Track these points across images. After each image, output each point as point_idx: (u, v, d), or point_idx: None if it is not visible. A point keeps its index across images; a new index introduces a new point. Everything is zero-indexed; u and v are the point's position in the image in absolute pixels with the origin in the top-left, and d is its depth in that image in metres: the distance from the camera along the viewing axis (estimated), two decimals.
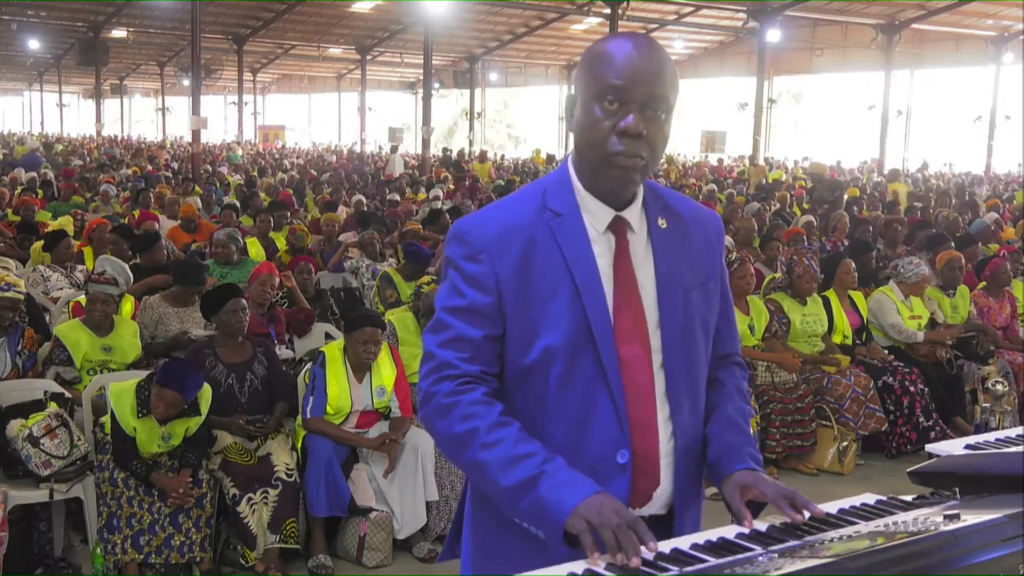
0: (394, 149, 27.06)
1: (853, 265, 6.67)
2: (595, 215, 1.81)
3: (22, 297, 4.93)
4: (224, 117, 50.09)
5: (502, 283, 1.78)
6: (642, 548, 1.52)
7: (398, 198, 13.78)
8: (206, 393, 4.39)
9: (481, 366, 1.79)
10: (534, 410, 1.80)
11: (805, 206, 13.66)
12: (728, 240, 8.04)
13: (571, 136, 1.85)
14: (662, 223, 1.85)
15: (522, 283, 1.78)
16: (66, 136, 41.22)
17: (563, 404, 1.79)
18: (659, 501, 1.83)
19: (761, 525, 1.67)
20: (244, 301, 4.93)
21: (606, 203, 1.81)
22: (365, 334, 4.68)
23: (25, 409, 4.38)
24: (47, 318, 5.97)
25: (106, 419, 4.36)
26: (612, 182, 1.78)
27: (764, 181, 20.53)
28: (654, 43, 1.77)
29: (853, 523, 1.65)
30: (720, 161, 31.46)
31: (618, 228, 1.82)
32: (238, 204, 11.43)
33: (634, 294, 1.80)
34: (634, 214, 1.83)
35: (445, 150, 28.76)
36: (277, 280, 5.97)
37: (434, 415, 1.79)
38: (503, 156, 34.97)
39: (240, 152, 28.99)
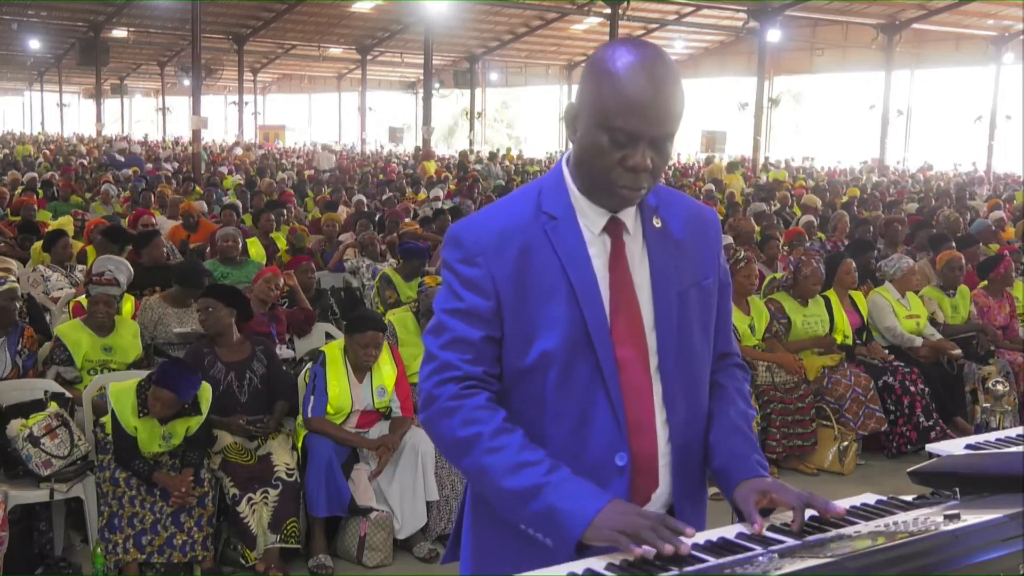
0: (324, 147, 26.95)
1: (854, 265, 6.66)
2: (590, 217, 1.80)
3: (17, 285, 4.93)
4: (224, 117, 50.09)
5: (499, 286, 1.77)
6: (683, 538, 1.54)
7: (398, 197, 13.80)
8: (206, 393, 4.39)
9: (483, 367, 1.78)
10: (533, 411, 1.80)
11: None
12: (728, 239, 8.02)
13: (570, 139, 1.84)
14: (657, 223, 1.84)
15: (519, 286, 1.77)
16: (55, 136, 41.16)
17: (562, 406, 1.78)
18: (658, 502, 1.83)
19: None
20: (220, 304, 4.81)
21: (601, 206, 1.80)
22: (366, 337, 4.67)
23: (25, 409, 4.38)
24: (47, 318, 5.97)
25: (106, 419, 4.37)
26: (611, 203, 1.78)
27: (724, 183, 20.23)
28: (667, 69, 1.68)
29: (853, 523, 1.64)
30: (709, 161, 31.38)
31: (613, 230, 1.81)
32: (239, 204, 11.43)
33: (630, 296, 1.80)
34: (629, 215, 1.82)
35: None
36: (282, 281, 5.98)
37: (436, 418, 1.78)
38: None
39: (204, 152, 28.67)
